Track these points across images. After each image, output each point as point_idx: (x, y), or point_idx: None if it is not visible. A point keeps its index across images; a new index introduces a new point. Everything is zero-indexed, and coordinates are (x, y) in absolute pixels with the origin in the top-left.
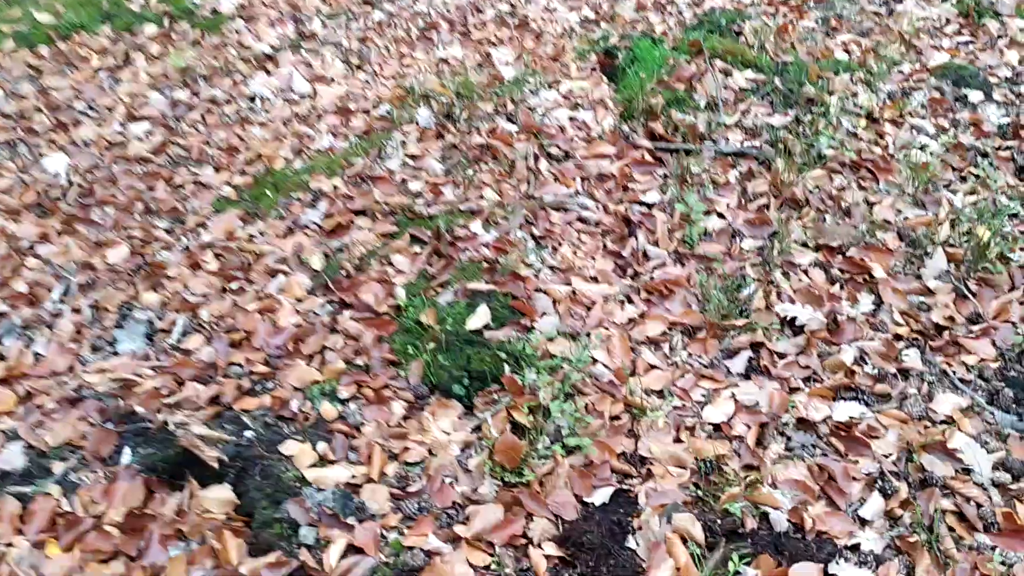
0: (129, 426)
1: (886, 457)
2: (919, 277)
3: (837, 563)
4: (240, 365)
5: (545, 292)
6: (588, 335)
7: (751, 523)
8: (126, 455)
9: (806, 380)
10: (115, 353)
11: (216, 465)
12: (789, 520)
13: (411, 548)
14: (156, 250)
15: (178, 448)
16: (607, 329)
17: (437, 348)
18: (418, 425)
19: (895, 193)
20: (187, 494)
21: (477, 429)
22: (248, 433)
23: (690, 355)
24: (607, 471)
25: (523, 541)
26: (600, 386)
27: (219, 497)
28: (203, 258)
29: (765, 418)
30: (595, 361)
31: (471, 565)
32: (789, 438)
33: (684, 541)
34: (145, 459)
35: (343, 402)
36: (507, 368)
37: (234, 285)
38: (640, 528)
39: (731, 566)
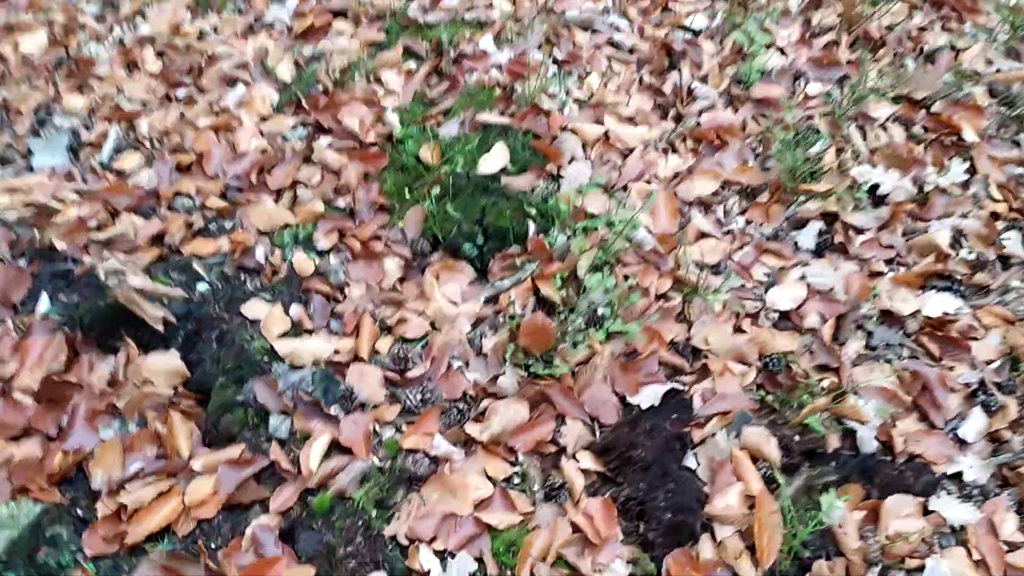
0: (47, 266)
1: (987, 364)
2: (1017, 144)
3: (938, 496)
4: (190, 196)
5: (573, 132)
6: (626, 189)
7: (834, 441)
8: (43, 303)
9: (889, 263)
10: (30, 169)
11: (160, 326)
12: (877, 439)
13: (412, 451)
14: (83, 41)
15: (111, 300)
16: (649, 184)
17: (442, 194)
18: (418, 291)
19: (984, 39)
20: (122, 359)
21: (493, 301)
22: (201, 286)
23: (749, 223)
24: (654, 364)
25: (553, 449)
26: (643, 255)
27: (164, 367)
28: (142, 56)
29: (842, 307)
30: (627, 222)
31: (488, 477)
32: (871, 334)
33: (754, 460)
34: (68, 310)
35: (322, 254)
36: (531, 226)
37: (181, 93)
38: (702, 443)
39: (825, 502)
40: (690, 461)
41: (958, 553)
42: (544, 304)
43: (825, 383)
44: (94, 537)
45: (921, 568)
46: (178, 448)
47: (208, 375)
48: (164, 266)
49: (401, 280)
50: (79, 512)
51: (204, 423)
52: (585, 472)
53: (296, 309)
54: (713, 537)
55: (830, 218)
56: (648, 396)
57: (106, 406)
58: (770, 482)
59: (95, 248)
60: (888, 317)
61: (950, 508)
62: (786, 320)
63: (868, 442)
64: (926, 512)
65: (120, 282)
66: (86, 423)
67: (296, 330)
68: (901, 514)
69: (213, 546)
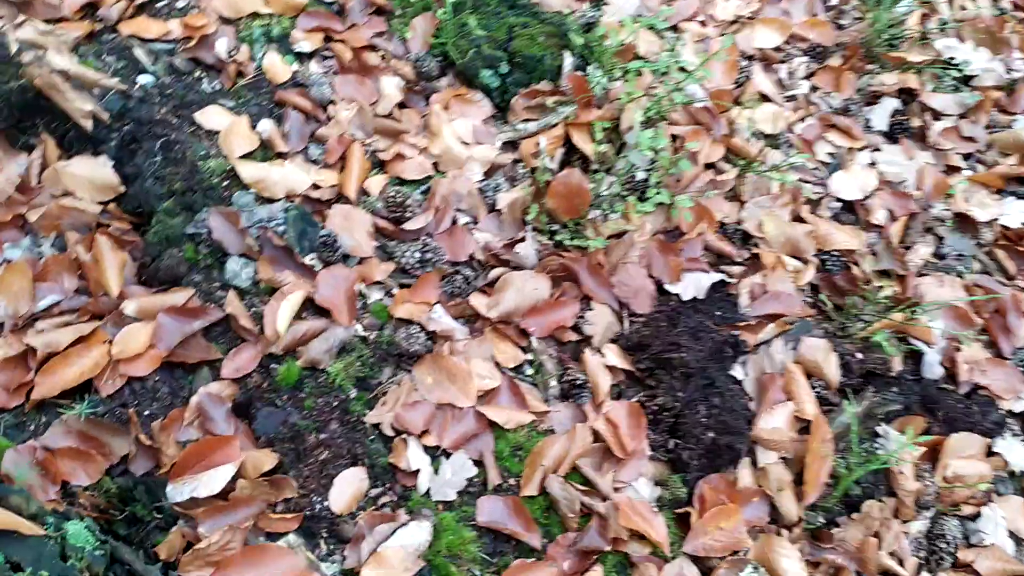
0: None
1: None
2: None
3: (1003, 437)
4: None
5: None
6: (676, 29)
7: (897, 364)
8: None
9: (967, 158)
10: None
11: (88, 123)
12: (942, 364)
13: (405, 322)
14: None
15: (25, 82)
16: (704, 25)
17: (460, 2)
18: (421, 122)
19: None
20: (37, 160)
21: (513, 147)
22: (144, 79)
23: (815, 89)
24: (699, 248)
25: (575, 337)
26: (693, 114)
27: (91, 176)
28: None
29: (914, 205)
30: (683, 70)
31: (496, 364)
32: (941, 240)
33: (807, 377)
34: None
35: (301, 58)
36: (568, 59)
37: None
38: (753, 350)
39: (895, 441)
40: (736, 371)
41: (1015, 503)
42: (577, 158)
43: (888, 291)
44: None
45: (975, 516)
46: (105, 283)
47: (148, 195)
48: (97, 47)
49: (401, 106)
50: None
51: (141, 254)
52: (611, 370)
53: (267, 124)
54: (754, 462)
55: (908, 95)
56: (691, 286)
57: (13, 218)
58: (822, 403)
59: (8, 12)
60: (964, 221)
61: (1013, 451)
62: (850, 213)
63: (933, 367)
64: (990, 453)
65: (38, 60)
66: None
67: (265, 152)
68: (963, 454)
69: (147, 413)
